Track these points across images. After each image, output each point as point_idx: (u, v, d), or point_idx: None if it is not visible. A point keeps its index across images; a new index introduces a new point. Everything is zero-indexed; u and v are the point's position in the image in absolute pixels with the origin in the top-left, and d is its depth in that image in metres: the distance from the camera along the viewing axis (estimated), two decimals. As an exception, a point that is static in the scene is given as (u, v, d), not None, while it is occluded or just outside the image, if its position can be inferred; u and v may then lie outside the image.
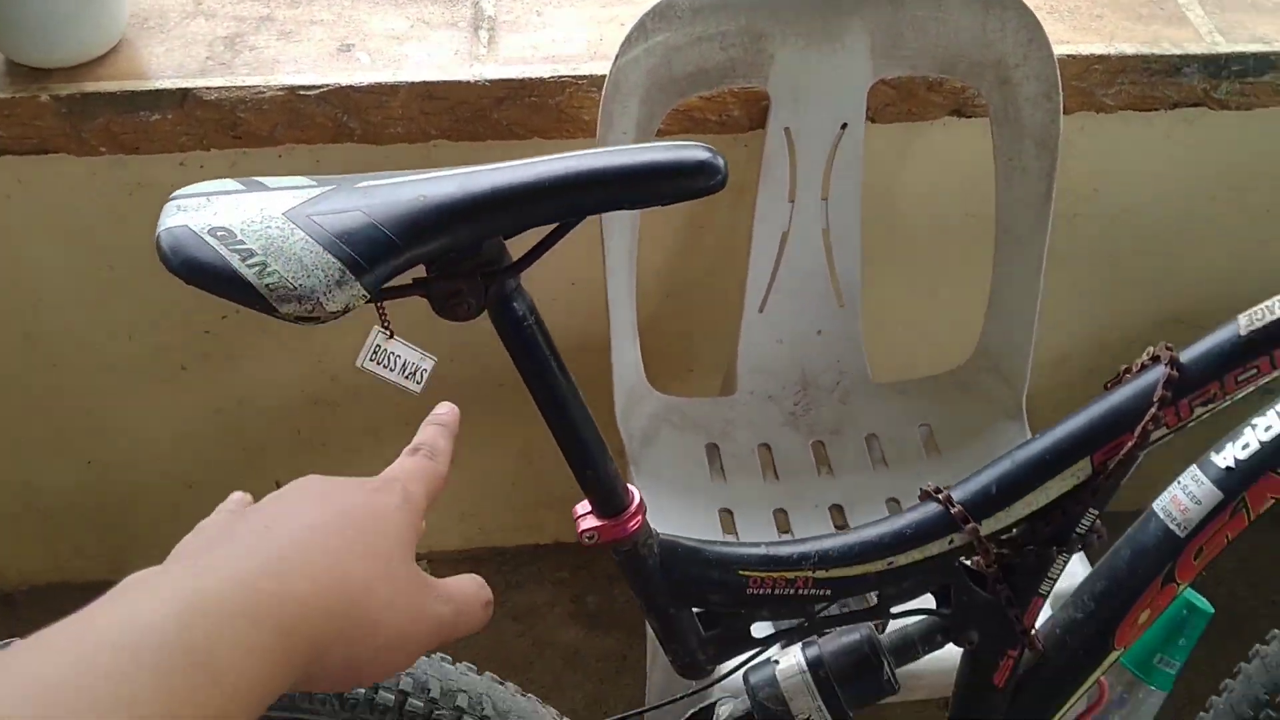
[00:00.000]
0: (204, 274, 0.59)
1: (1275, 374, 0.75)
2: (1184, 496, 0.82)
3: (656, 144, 0.63)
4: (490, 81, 1.13)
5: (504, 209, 0.60)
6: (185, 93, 1.11)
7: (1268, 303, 0.74)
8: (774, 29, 1.10)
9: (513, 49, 1.17)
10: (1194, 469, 0.82)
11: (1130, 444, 0.75)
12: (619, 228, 1.13)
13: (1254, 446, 0.80)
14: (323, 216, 0.60)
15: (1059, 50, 1.16)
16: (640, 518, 0.77)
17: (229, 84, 1.12)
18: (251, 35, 1.18)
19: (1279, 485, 0.79)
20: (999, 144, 1.17)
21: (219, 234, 0.59)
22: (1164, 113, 1.21)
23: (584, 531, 0.77)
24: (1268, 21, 1.20)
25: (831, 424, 1.31)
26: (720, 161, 0.62)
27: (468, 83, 1.13)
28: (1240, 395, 0.76)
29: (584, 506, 0.77)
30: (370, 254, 0.59)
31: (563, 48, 1.18)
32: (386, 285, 0.61)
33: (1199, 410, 0.76)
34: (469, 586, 0.50)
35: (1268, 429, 0.80)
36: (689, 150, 0.61)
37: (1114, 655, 0.86)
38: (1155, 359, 0.77)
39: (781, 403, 1.32)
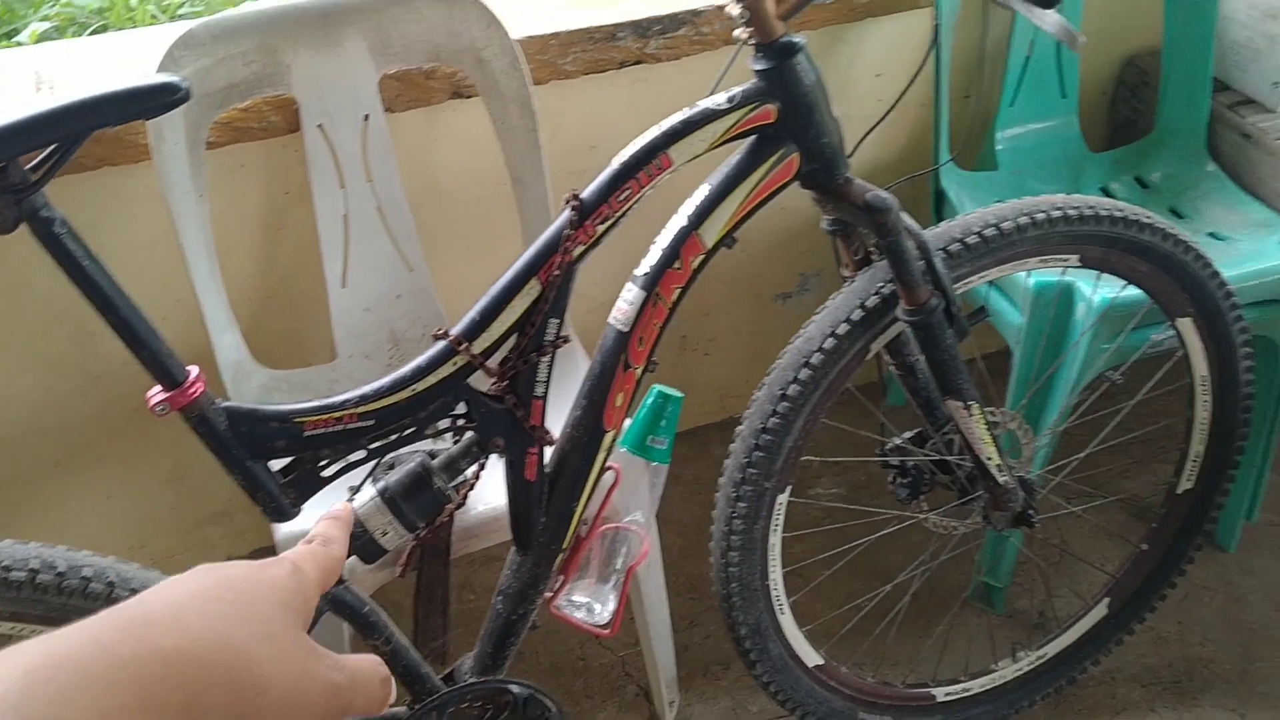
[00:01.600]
0: None
1: (645, 190, 1.07)
2: (623, 303, 1.12)
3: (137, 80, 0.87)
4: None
5: (14, 136, 0.82)
6: None
7: (631, 143, 1.06)
8: (284, 43, 1.37)
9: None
10: (628, 283, 1.12)
11: (559, 259, 1.05)
12: (189, 225, 1.35)
13: (655, 257, 1.11)
14: None
15: (522, 33, 1.49)
16: (200, 386, 0.98)
17: None
18: None
19: (676, 278, 1.11)
20: (492, 112, 1.48)
21: None
22: (615, 71, 1.55)
23: (154, 405, 0.97)
24: (678, -7, 1.58)
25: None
26: (182, 83, 0.86)
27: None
28: (628, 210, 1.07)
29: (154, 390, 0.98)
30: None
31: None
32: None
33: (600, 227, 1.06)
34: (364, 661, 0.49)
35: (660, 248, 1.11)
36: (155, 77, 0.86)
37: (609, 436, 1.15)
38: (568, 201, 1.07)
39: (377, 359, 1.56)
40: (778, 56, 1.08)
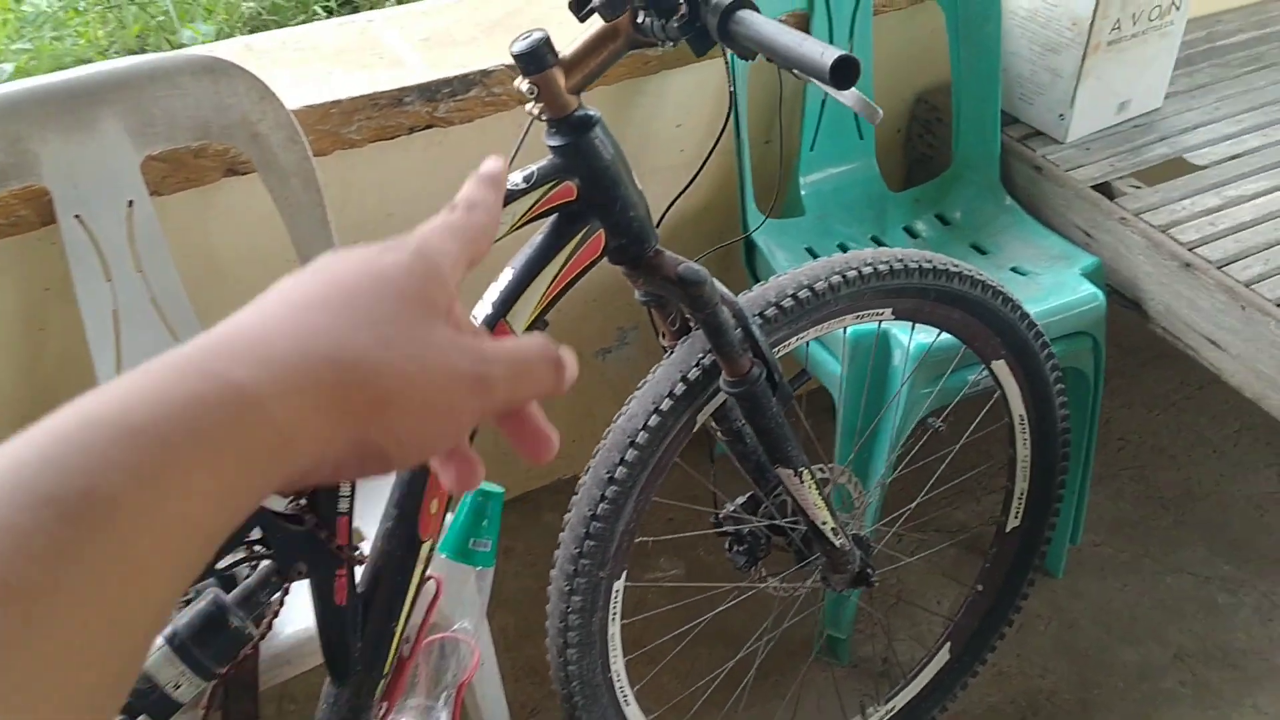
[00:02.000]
0: None
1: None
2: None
3: None
4: None
5: None
6: None
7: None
8: (30, 130, 1.22)
9: None
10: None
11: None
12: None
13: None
14: None
15: (298, 103, 1.39)
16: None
17: None
18: None
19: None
20: (272, 189, 1.36)
21: None
22: (406, 137, 1.47)
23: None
24: (465, 52, 1.50)
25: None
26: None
27: None
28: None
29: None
30: None
31: None
32: None
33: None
34: (522, 344, 0.42)
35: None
36: None
37: (426, 546, 1.06)
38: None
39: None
40: (573, 132, 1.02)
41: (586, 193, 1.05)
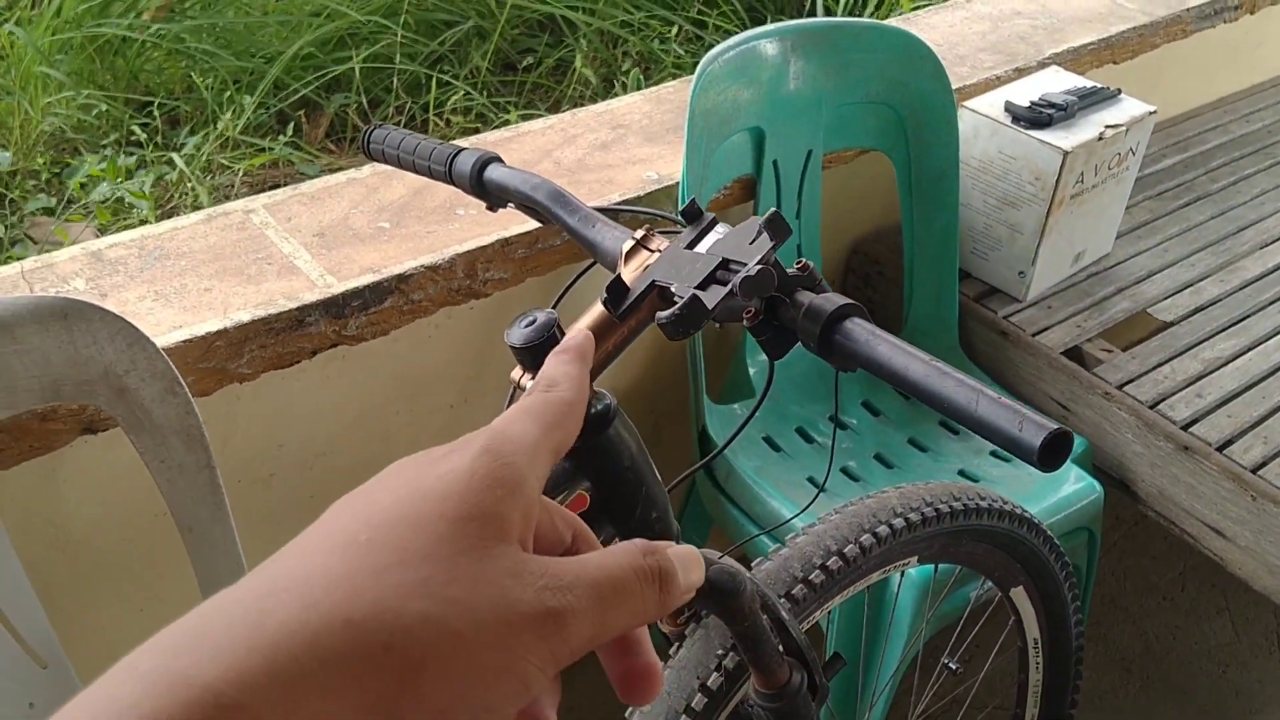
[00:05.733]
0: None
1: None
2: None
3: None
4: None
5: None
6: None
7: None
8: None
9: None
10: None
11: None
12: None
13: None
14: None
15: (174, 337, 1.10)
16: None
17: None
18: None
19: None
20: (142, 448, 1.07)
21: None
22: (309, 361, 1.19)
23: None
24: (371, 250, 1.24)
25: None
26: None
27: None
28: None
29: None
30: None
31: None
32: None
33: None
34: (614, 559, 0.34)
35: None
36: None
37: None
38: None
39: (6, 806, 1.10)
40: (587, 432, 0.78)
41: (602, 500, 0.81)
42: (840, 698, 1.36)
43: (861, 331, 0.67)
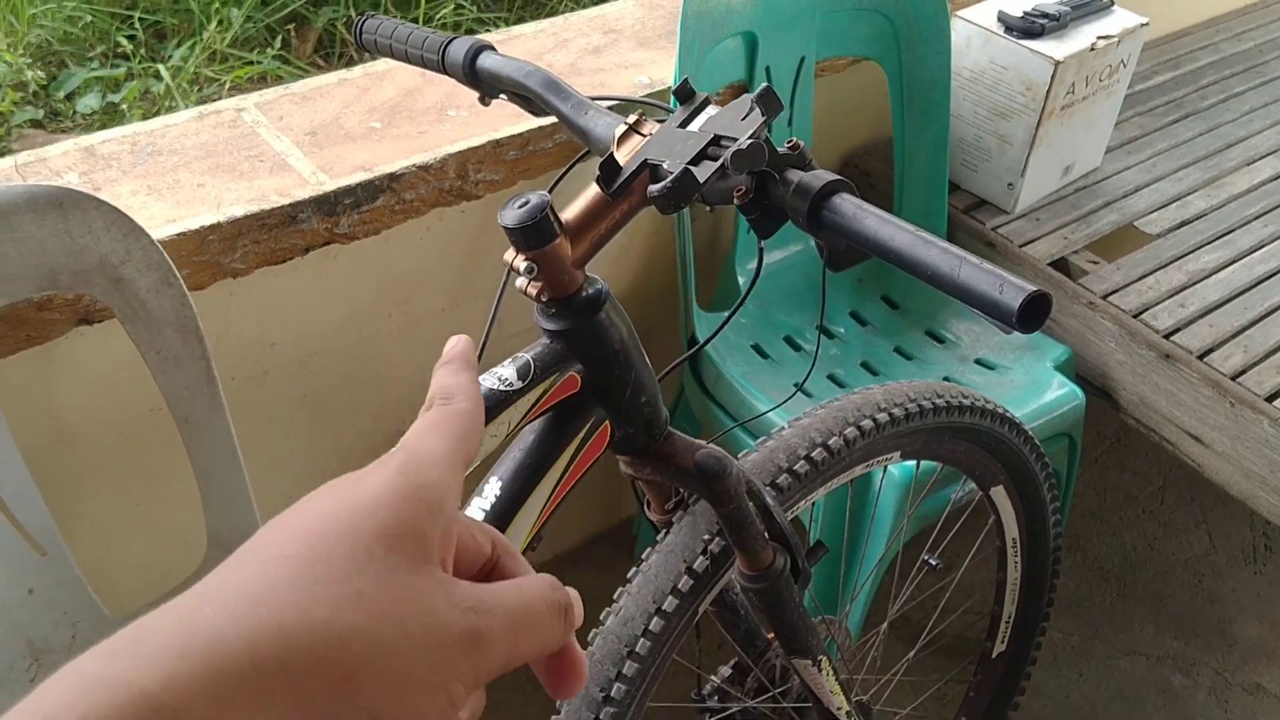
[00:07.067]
0: None
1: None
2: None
3: None
4: None
5: None
6: None
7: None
8: None
9: None
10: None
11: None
12: None
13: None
14: None
15: (169, 230, 1.11)
16: None
17: None
18: None
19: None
20: (139, 340, 1.08)
21: None
22: (301, 259, 1.20)
23: None
24: (362, 149, 1.25)
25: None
26: None
27: None
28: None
29: None
30: None
31: None
32: None
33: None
34: (528, 590, 0.36)
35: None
36: None
37: None
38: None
39: (10, 683, 1.13)
40: (579, 315, 0.80)
41: (593, 382, 0.83)
42: (823, 590, 1.39)
43: (849, 206, 0.68)
